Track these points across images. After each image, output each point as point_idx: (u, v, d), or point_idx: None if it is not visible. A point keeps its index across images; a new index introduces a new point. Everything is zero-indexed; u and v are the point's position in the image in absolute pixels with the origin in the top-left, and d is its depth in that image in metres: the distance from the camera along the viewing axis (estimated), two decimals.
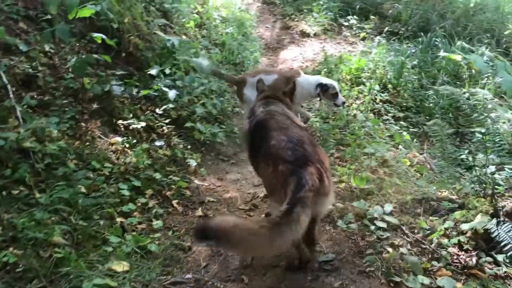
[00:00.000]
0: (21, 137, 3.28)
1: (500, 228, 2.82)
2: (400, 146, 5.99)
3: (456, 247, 2.78)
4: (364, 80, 7.73)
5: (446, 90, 6.68)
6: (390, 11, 10.39)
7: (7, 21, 4.52)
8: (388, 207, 3.20)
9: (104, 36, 4.18)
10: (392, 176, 4.46)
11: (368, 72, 7.90)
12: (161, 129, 4.88)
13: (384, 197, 3.58)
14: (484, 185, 3.45)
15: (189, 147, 4.74)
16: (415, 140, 6.40)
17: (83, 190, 3.34)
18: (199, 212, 3.70)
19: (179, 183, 3.96)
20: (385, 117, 7.03)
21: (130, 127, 4.46)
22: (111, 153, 4.05)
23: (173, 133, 4.86)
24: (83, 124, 4.09)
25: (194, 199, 3.93)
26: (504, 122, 4.70)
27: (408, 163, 5.15)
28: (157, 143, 4.61)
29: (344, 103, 5.87)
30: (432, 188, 3.94)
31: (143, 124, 4.48)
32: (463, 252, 2.79)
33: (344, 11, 10.79)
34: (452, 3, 10.21)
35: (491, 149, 3.75)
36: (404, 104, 7.36)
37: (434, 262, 2.74)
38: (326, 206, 2.70)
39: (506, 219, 2.96)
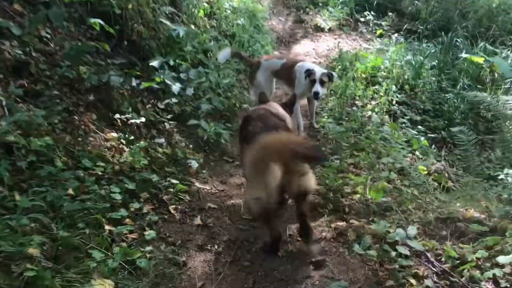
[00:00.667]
0: (3, 130, 2.95)
1: None
2: (416, 152, 5.62)
3: (491, 283, 2.41)
4: (380, 79, 7.33)
5: (470, 94, 6.33)
6: (409, 8, 9.95)
7: (1, 2, 4.18)
8: (412, 230, 2.81)
9: (102, 23, 3.85)
10: (410, 186, 4.11)
11: (384, 71, 7.50)
12: (162, 125, 4.54)
13: (404, 214, 3.21)
14: None
15: (191, 146, 4.39)
16: (432, 146, 6.05)
17: (70, 192, 3.01)
18: (197, 220, 3.35)
19: (178, 186, 3.61)
20: (401, 120, 6.65)
21: (129, 122, 4.12)
22: (106, 150, 3.71)
23: (175, 130, 4.52)
24: (76, 117, 3.74)
25: (194, 205, 3.59)
26: None
27: (426, 171, 4.79)
28: (157, 140, 4.27)
29: (317, 94, 4.89)
30: (456, 204, 3.56)
31: (143, 119, 4.13)
32: None
33: (361, 6, 10.38)
34: (474, 3, 9.74)
35: None
36: (422, 106, 6.97)
37: None
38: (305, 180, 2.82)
39: None
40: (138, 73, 4.47)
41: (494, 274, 2.39)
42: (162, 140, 4.31)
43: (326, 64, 8.09)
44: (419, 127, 6.29)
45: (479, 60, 6.94)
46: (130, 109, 4.31)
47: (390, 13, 10.18)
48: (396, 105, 6.78)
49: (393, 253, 2.70)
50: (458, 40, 8.02)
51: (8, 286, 2.10)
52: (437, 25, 9.17)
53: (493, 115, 6.54)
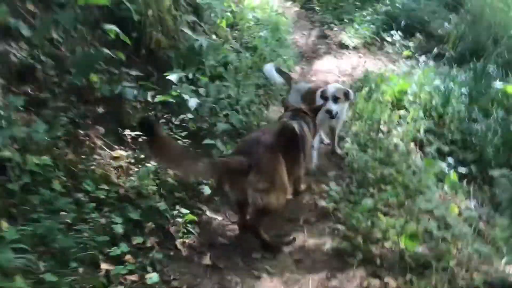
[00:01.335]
0: None
1: None
2: (445, 188, 5.21)
3: None
4: (407, 104, 6.93)
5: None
6: (439, 30, 9.53)
7: (13, 1, 3.89)
8: None
9: (118, 30, 3.52)
10: (444, 230, 3.70)
11: (411, 96, 7.09)
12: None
13: (445, 273, 2.81)
14: None
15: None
16: (459, 180, 5.62)
17: (67, 220, 2.66)
18: (207, 259, 2.98)
19: (187, 216, 3.24)
20: (427, 149, 6.24)
21: (139, 139, 3.78)
22: (112, 170, 3.36)
23: (190, 149, 4.16)
24: (81, 131, 3.40)
25: (203, 239, 3.21)
26: None
27: (457, 211, 4.38)
28: None
29: (330, 112, 4.53)
30: (501, 262, 3.15)
31: None
32: None
33: (387, 25, 9.97)
34: (507, 27, 9.31)
35: None
36: (450, 136, 6.55)
37: None
38: (258, 199, 3.03)
39: None
40: (154, 87, 4.13)
41: None
42: None
43: (350, 84, 7.71)
44: (449, 159, 5.85)
45: None
46: None
47: (417, 34, 9.78)
48: (423, 133, 6.39)
49: None
50: (491, 67, 7.58)
51: None
52: (467, 50, 8.73)
53: None
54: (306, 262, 3.12)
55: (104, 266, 2.52)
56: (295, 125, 3.68)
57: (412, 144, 6.15)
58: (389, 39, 9.75)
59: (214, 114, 4.72)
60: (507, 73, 7.43)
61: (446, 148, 6.32)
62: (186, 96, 4.19)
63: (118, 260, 2.63)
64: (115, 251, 2.63)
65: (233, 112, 4.90)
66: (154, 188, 3.33)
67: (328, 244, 3.20)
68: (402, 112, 6.72)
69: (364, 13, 10.27)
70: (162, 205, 3.18)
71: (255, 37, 7.81)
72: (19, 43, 3.55)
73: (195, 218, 3.32)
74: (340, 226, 3.41)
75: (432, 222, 3.50)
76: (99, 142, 3.54)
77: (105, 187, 3.07)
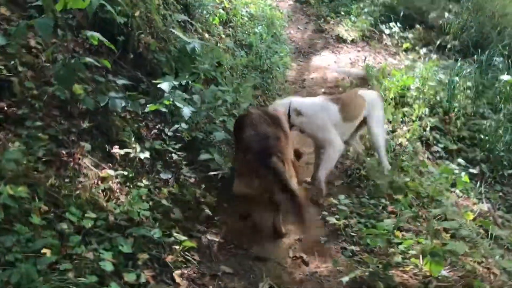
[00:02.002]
0: None
1: None
2: (456, 190, 4.93)
3: None
4: (410, 100, 6.62)
5: None
6: (440, 21, 9.20)
7: None
8: None
9: (101, 37, 3.16)
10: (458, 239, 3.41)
11: (414, 91, 6.77)
12: (169, 155, 3.86)
13: None
14: None
15: (203, 185, 3.69)
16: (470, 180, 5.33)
17: (48, 255, 2.33)
18: None
19: (184, 243, 2.92)
20: (434, 148, 5.95)
21: (131, 155, 3.44)
22: (99, 193, 3.03)
23: (184, 162, 3.83)
24: (64, 150, 3.06)
25: (204, 268, 2.89)
26: None
27: (471, 217, 4.10)
28: (163, 175, 3.59)
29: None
30: None
31: (147, 154, 3.45)
32: None
33: (386, 17, 9.65)
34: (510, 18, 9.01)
35: None
36: (457, 133, 6.26)
37: None
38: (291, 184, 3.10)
39: None
40: (143, 97, 3.79)
41: None
42: (168, 175, 3.63)
43: (349, 80, 7.39)
44: (459, 160, 5.56)
45: None
46: (132, 137, 3.63)
47: (417, 26, 9.46)
48: (429, 130, 6.09)
49: None
50: (497, 59, 7.28)
51: None
52: (470, 41, 8.41)
53: None
54: None
55: None
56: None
57: (418, 143, 5.87)
58: (387, 31, 9.43)
59: (211, 121, 4.39)
60: None
61: (454, 147, 6.05)
62: (179, 104, 3.84)
63: None
64: None
65: (231, 118, 4.57)
66: (147, 213, 2.99)
67: (344, 274, 2.86)
68: (406, 109, 6.43)
69: (361, 5, 9.95)
70: (156, 232, 2.84)
71: (250, 34, 7.46)
72: None
73: (194, 245, 2.99)
74: (354, 247, 3.10)
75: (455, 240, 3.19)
76: (85, 161, 3.19)
77: (92, 215, 2.73)
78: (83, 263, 2.42)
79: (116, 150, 3.37)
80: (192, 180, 3.72)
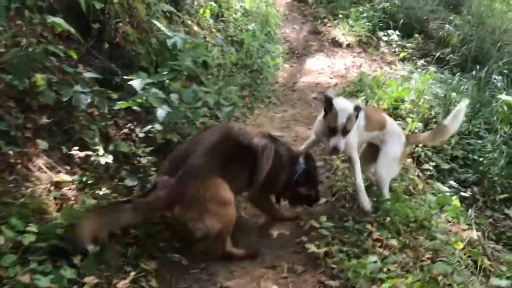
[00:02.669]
0: None
1: None
2: (446, 215, 4.63)
3: None
4: (403, 113, 6.32)
5: None
6: (440, 32, 8.91)
7: None
8: None
9: (65, 24, 2.78)
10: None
11: (408, 104, 6.48)
12: (137, 159, 3.50)
13: None
14: None
15: None
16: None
17: None
18: None
19: (140, 267, 2.56)
20: (425, 166, 5.65)
21: (91, 158, 3.07)
22: (50, 201, 2.66)
23: (154, 168, 3.47)
24: (12, 151, 2.68)
25: None
26: None
27: (461, 246, 3.81)
28: (127, 182, 3.23)
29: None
30: None
31: (109, 159, 3.08)
32: None
33: (385, 23, 9.34)
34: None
35: None
36: (450, 152, 5.96)
37: None
38: (193, 228, 2.75)
39: None
40: (116, 92, 3.42)
41: None
42: (134, 182, 3.27)
43: (342, 87, 7.07)
44: (451, 182, 5.27)
45: None
46: (96, 137, 3.26)
47: (416, 35, 9.16)
48: (421, 146, 5.80)
49: None
50: (496, 77, 7.00)
51: None
52: (470, 56, 8.14)
53: None
54: None
55: None
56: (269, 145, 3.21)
57: (409, 160, 5.57)
58: (385, 38, 9.13)
59: (189, 123, 4.03)
60: None
61: (446, 166, 5.76)
62: (154, 104, 3.47)
63: None
64: None
65: (212, 121, 4.22)
66: None
67: None
68: (399, 122, 6.12)
69: (360, 9, 9.60)
70: (108, 253, 2.48)
71: (242, 30, 7.10)
72: None
73: (150, 269, 2.63)
74: (333, 283, 2.77)
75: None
76: (38, 162, 2.82)
77: (34, 229, 2.35)
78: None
79: (75, 151, 3.00)
80: None
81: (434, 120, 6.30)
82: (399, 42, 9.02)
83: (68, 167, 2.96)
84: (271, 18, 8.56)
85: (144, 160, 3.49)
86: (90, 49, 3.85)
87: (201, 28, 6.09)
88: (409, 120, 6.05)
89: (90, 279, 2.36)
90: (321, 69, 7.99)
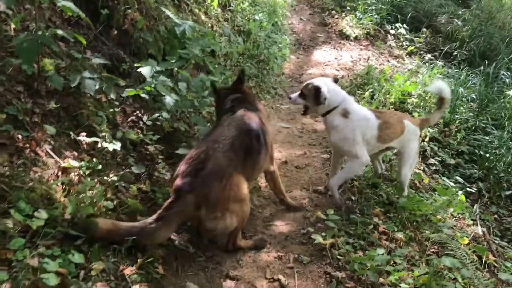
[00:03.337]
0: None
1: None
2: (451, 209, 4.62)
3: None
4: (410, 107, 6.30)
5: None
6: (448, 27, 8.84)
7: None
8: None
9: (75, 8, 2.76)
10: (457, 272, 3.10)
11: (415, 98, 6.45)
12: (144, 147, 3.49)
13: None
14: None
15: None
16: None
17: None
18: None
19: (147, 253, 2.56)
20: (431, 160, 5.63)
21: (99, 145, 3.06)
22: (57, 186, 2.65)
23: (161, 156, 3.46)
24: (20, 135, 2.67)
25: (167, 284, 2.54)
26: None
27: (466, 241, 3.81)
28: (135, 170, 3.22)
29: None
30: None
31: (117, 146, 3.06)
32: None
33: (393, 16, 9.27)
34: None
35: None
36: (456, 147, 5.94)
37: None
38: (214, 227, 2.75)
39: None
40: (123, 80, 3.40)
41: None
42: (141, 170, 3.26)
43: (349, 79, 7.04)
44: (457, 177, 5.25)
45: None
46: (104, 124, 3.24)
47: (424, 29, 9.10)
48: (427, 141, 5.78)
49: None
50: (504, 73, 6.96)
51: None
52: (478, 51, 8.08)
53: None
54: None
55: None
56: (253, 118, 3.14)
57: None
58: (393, 32, 9.07)
59: (196, 112, 4.01)
60: None
61: (451, 161, 5.74)
62: (162, 92, 3.45)
63: None
64: None
65: None
66: (110, 213, 2.63)
67: None
68: None
69: (368, 1, 9.54)
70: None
71: (250, 20, 7.05)
72: None
73: (158, 256, 2.63)
74: (339, 274, 2.76)
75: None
76: (45, 148, 2.81)
77: (43, 214, 2.35)
78: (23, 272, 2.05)
79: (83, 137, 2.99)
80: (167, 177, 3.35)
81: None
82: (407, 36, 8.97)
83: (75, 153, 2.95)
84: (279, 9, 8.50)
85: (151, 148, 3.48)
86: (98, 35, 3.82)
87: (209, 17, 6.04)
88: (415, 114, 6.02)
89: (97, 265, 2.36)
90: (328, 61, 7.94)
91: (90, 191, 2.66)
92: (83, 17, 2.90)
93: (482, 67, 7.27)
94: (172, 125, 3.78)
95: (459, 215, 4.70)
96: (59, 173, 2.76)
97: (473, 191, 5.25)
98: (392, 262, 2.90)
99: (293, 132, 5.34)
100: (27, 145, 2.67)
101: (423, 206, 3.87)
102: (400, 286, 2.64)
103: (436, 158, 5.69)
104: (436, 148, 5.80)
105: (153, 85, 3.41)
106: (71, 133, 2.97)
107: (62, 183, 2.70)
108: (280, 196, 3.59)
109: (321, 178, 4.23)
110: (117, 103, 3.55)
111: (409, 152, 4.00)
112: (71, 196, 2.63)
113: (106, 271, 2.37)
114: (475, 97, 6.59)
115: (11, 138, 2.67)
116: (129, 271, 2.45)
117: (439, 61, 7.69)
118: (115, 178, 2.92)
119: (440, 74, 6.96)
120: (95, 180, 2.83)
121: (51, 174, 2.72)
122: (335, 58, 8.09)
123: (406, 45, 8.75)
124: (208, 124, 3.93)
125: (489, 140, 5.90)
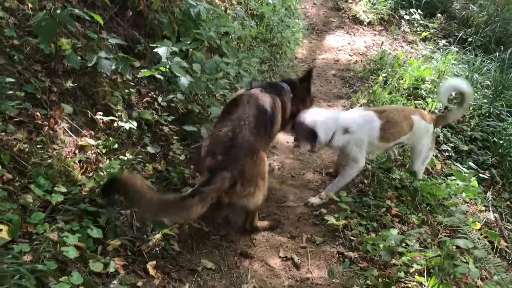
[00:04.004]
0: None
1: None
2: (463, 194, 4.61)
3: None
4: (424, 93, 6.25)
5: None
6: (463, 13, 8.72)
7: None
8: None
9: None
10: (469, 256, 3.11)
11: (429, 84, 6.39)
12: (160, 128, 3.52)
13: None
14: None
15: (192, 166, 3.36)
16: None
17: (4, 232, 2.02)
18: None
19: (163, 230, 2.60)
20: (444, 146, 5.60)
21: (114, 124, 3.09)
22: (75, 164, 2.70)
23: (176, 137, 3.49)
24: (38, 113, 2.71)
25: (183, 260, 2.59)
26: None
27: (478, 226, 3.80)
28: (150, 149, 3.25)
29: None
30: None
31: (133, 125, 3.10)
32: None
33: (407, 1, 9.13)
34: None
35: None
36: (469, 133, 5.89)
37: None
38: (245, 203, 2.79)
39: None
40: (139, 60, 3.42)
41: None
42: (156, 149, 3.30)
43: (363, 65, 6.99)
44: (470, 163, 5.23)
45: None
46: (120, 104, 3.27)
47: (439, 15, 8.96)
48: (440, 127, 5.74)
49: None
50: None
51: None
52: (493, 37, 7.96)
53: None
54: None
55: None
56: (266, 99, 3.14)
57: None
58: (407, 17, 8.95)
59: (209, 94, 4.03)
60: None
61: (465, 147, 5.70)
62: (177, 73, 3.46)
63: None
64: (62, 285, 1.98)
65: (231, 93, 4.20)
66: None
67: (339, 285, 2.56)
68: (419, 102, 6.06)
69: None
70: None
71: (263, 4, 7.00)
72: None
73: (174, 232, 2.67)
74: (352, 254, 2.79)
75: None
76: (63, 126, 2.85)
77: (62, 189, 2.40)
78: (44, 245, 2.10)
79: (99, 116, 3.02)
80: (182, 157, 3.38)
81: (455, 101, 6.22)
82: (421, 22, 8.85)
83: (92, 132, 2.98)
84: None
85: (166, 129, 3.50)
86: (113, 16, 3.84)
87: (222, 0, 6.01)
88: (429, 100, 5.98)
89: (114, 241, 2.40)
90: (341, 46, 7.88)
91: (108, 169, 2.70)
92: None
93: (497, 53, 7.17)
94: (186, 106, 3.80)
95: (471, 200, 4.70)
96: (77, 151, 2.80)
97: (486, 177, 5.21)
98: (404, 244, 2.91)
99: None
100: (46, 123, 2.71)
101: (438, 190, 3.87)
102: (412, 267, 2.66)
103: (449, 144, 5.66)
104: (449, 134, 5.77)
105: (168, 66, 3.42)
106: (88, 112, 3.00)
107: (80, 161, 2.74)
108: None
109: (334, 161, 4.23)
110: (132, 83, 3.58)
111: (421, 148, 3.94)
112: (90, 173, 2.67)
113: (123, 246, 2.42)
114: (489, 83, 6.50)
115: (30, 116, 2.71)
116: (145, 247, 2.50)
117: (454, 46, 7.59)
118: (131, 156, 2.96)
119: (454, 60, 6.87)
120: (112, 159, 2.87)
121: (68, 152, 2.77)
122: (348, 43, 8.03)
123: (420, 30, 8.63)
124: (222, 107, 3.95)
125: (503, 126, 5.84)
